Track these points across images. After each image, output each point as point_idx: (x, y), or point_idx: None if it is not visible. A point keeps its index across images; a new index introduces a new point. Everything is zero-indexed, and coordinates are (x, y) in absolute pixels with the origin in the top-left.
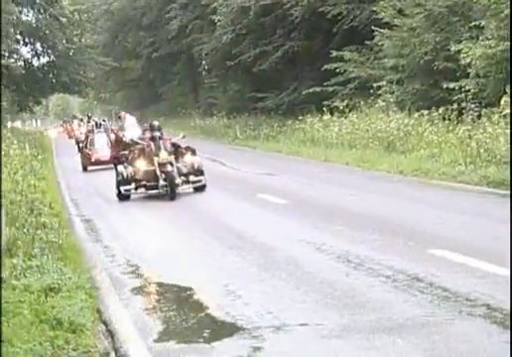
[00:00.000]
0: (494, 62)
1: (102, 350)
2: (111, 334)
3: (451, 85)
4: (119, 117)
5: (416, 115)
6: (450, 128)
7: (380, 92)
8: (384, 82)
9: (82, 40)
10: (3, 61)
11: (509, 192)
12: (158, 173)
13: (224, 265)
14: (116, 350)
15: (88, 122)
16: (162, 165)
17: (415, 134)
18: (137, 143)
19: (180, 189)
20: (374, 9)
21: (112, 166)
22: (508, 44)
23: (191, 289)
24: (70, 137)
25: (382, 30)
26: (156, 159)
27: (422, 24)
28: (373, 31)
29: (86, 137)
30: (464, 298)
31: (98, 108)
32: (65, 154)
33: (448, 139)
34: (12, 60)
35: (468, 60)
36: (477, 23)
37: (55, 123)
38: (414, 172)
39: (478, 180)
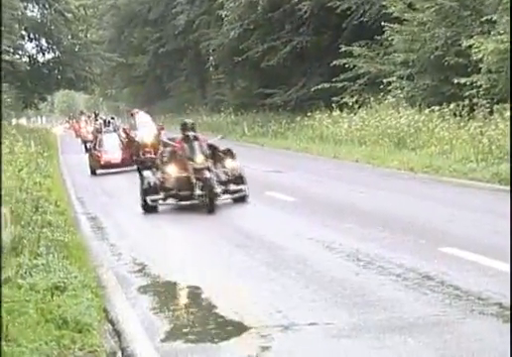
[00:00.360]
0: (506, 57)
1: (109, 350)
2: (118, 334)
3: (463, 81)
4: (131, 115)
5: (426, 111)
6: (462, 124)
7: (390, 88)
8: (394, 78)
9: (88, 35)
10: (8, 57)
11: (509, 189)
12: (193, 180)
13: (232, 263)
14: (123, 350)
15: (96, 120)
16: (198, 171)
17: (425, 130)
18: (167, 144)
19: (219, 200)
20: (384, 3)
21: (124, 169)
22: None
23: (198, 288)
24: (78, 135)
25: (392, 25)
26: (191, 164)
27: (432, 18)
28: (383, 26)
29: (95, 137)
30: (476, 297)
31: (104, 105)
32: (71, 151)
33: (459, 135)
34: (17, 57)
35: (480, 56)
36: (489, 17)
37: (60, 120)
38: (424, 168)
39: (490, 178)
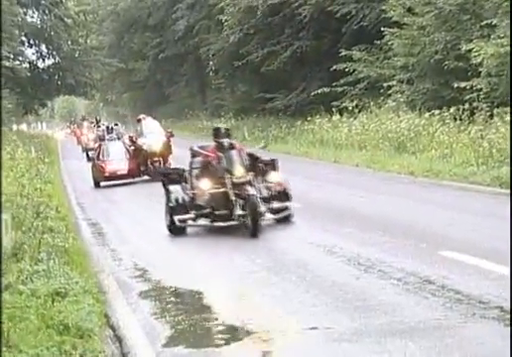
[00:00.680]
0: (506, 61)
1: (110, 355)
2: (119, 339)
3: (463, 85)
4: (138, 121)
5: (427, 115)
6: (462, 128)
7: (390, 92)
8: (394, 82)
9: (88, 41)
10: (8, 64)
11: (509, 192)
12: (232, 197)
13: (233, 268)
14: (124, 355)
15: (98, 126)
16: (238, 185)
17: (426, 134)
18: (197, 153)
19: (263, 221)
20: (383, 8)
21: (130, 180)
22: None
23: (199, 292)
24: (79, 142)
25: (391, 29)
26: (228, 177)
27: (432, 22)
28: (382, 30)
29: (99, 145)
30: (477, 301)
31: (104, 110)
32: (72, 157)
33: (459, 139)
34: (17, 63)
35: (480, 59)
36: (489, 21)
37: (61, 125)
38: (425, 172)
39: (491, 181)
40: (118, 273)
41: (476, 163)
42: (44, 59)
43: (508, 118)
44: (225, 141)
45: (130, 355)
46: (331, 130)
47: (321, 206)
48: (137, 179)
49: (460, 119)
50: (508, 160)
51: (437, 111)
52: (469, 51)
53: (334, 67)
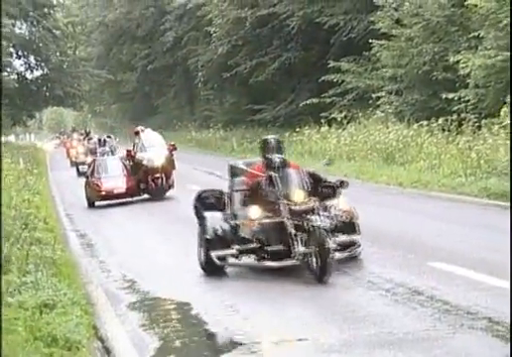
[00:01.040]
0: (493, 73)
1: None
2: (107, 351)
3: (451, 96)
4: (136, 133)
5: (415, 126)
6: (450, 139)
7: (379, 103)
8: (383, 93)
9: (76, 52)
10: None
11: (510, 204)
12: (290, 229)
13: (222, 279)
14: None
15: (89, 139)
16: (297, 214)
17: (414, 145)
18: (239, 171)
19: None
20: (371, 19)
21: (129, 199)
22: (507, 54)
23: (188, 304)
24: (68, 156)
25: (379, 41)
26: (285, 203)
27: (420, 34)
28: (371, 42)
29: (93, 161)
30: (465, 312)
31: (93, 122)
32: (60, 168)
33: (447, 150)
34: (5, 74)
35: (467, 71)
36: (476, 33)
37: (49, 136)
38: (413, 183)
39: (478, 192)
40: (107, 284)
41: (464, 173)
42: (32, 71)
43: (495, 129)
44: (277, 157)
45: None
46: (320, 141)
47: None
48: (135, 199)
49: (449, 130)
50: (495, 171)
51: (425, 122)
52: (457, 62)
53: (323, 79)
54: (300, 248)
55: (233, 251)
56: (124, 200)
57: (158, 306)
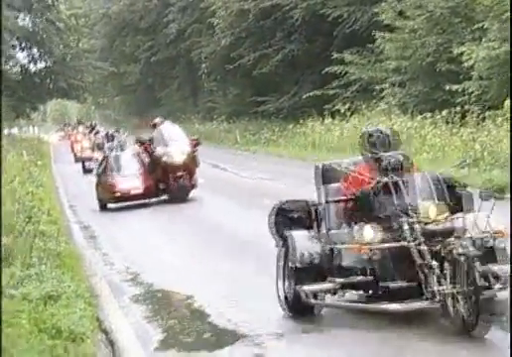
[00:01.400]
0: (497, 64)
1: None
2: (111, 343)
3: (454, 88)
4: (154, 125)
5: (418, 118)
6: (454, 131)
7: (382, 95)
8: (386, 85)
9: (80, 44)
10: None
11: (510, 196)
12: (422, 258)
13: (226, 272)
14: None
15: (96, 133)
16: (431, 236)
17: (418, 137)
18: (333, 175)
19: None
20: (375, 11)
21: (145, 201)
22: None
23: (191, 296)
24: (73, 150)
25: (383, 33)
26: (412, 221)
27: (423, 26)
28: (374, 33)
29: (105, 158)
30: None
31: (97, 114)
32: (64, 160)
33: (451, 142)
34: (8, 66)
35: (471, 63)
36: (480, 25)
37: (53, 129)
38: None
39: (482, 184)
40: (110, 276)
41: (468, 165)
42: (35, 63)
43: (499, 120)
44: (391, 156)
45: None
46: (324, 133)
47: None
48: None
49: (452, 122)
50: (499, 163)
51: (428, 114)
52: (461, 54)
53: (326, 70)
54: (435, 287)
55: (333, 285)
56: (141, 202)
57: (161, 299)
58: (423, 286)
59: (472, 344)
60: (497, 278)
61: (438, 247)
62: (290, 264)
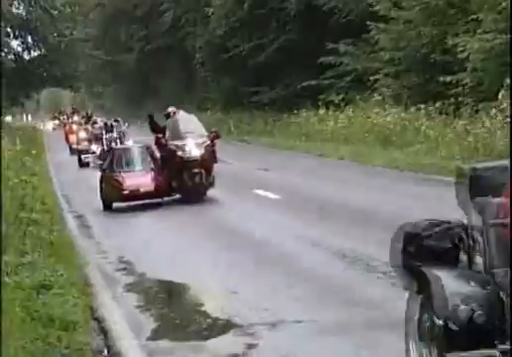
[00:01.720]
0: (492, 56)
1: (95, 348)
2: (104, 332)
3: (448, 79)
4: (167, 115)
5: (412, 109)
6: (448, 122)
7: (376, 86)
8: (380, 76)
9: (74, 33)
10: None
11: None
12: None
13: (219, 261)
14: (109, 348)
15: (93, 123)
16: None
17: (411, 128)
18: (494, 185)
19: None
20: (370, 2)
21: (157, 200)
22: (506, 37)
23: (184, 285)
24: (68, 142)
25: (378, 24)
26: None
27: (418, 16)
28: (369, 24)
29: (110, 150)
30: None
31: (91, 102)
32: (58, 149)
33: (445, 133)
34: (2, 54)
35: (466, 54)
36: (475, 16)
37: (47, 117)
38: (410, 166)
39: None
40: (103, 265)
41: (462, 157)
42: (29, 51)
43: (493, 112)
44: None
45: (115, 348)
46: (318, 123)
47: (307, 199)
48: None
49: (446, 113)
50: (493, 154)
51: (422, 105)
52: (455, 45)
53: (321, 61)
54: None
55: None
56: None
57: (154, 288)
58: None
59: None
60: None
61: None
62: (436, 320)
